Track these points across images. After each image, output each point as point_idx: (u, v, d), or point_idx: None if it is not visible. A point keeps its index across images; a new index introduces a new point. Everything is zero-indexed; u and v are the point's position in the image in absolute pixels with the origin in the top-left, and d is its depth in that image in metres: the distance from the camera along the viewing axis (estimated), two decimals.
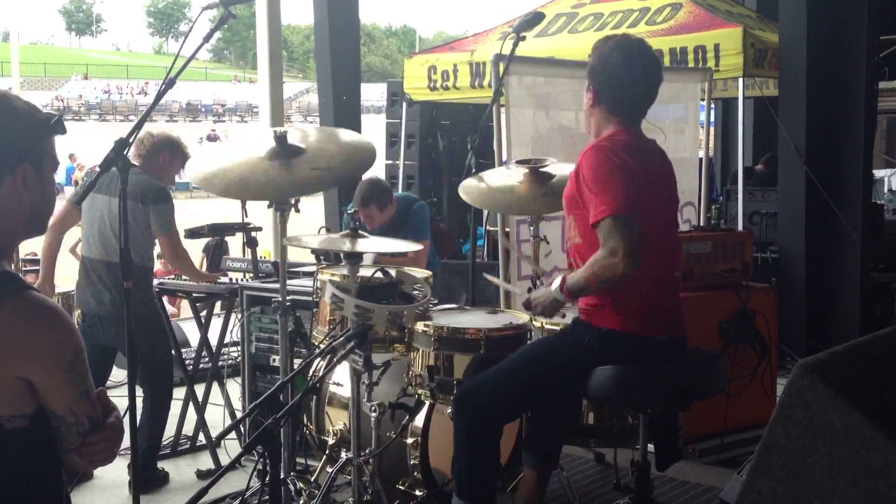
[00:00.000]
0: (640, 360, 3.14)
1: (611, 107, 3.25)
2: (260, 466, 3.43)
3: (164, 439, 5.12)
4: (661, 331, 3.19)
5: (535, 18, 4.54)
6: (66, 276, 5.70)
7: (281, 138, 3.55)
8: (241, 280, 5.00)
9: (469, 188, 4.06)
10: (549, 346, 3.33)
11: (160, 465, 4.78)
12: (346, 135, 3.93)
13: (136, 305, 4.35)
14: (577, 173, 3.17)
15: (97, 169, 4.60)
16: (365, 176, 5.23)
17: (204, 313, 5.24)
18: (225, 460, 4.78)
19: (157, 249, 4.83)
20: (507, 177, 4.14)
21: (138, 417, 4.40)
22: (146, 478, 4.55)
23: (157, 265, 10.66)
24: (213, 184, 3.58)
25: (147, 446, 4.57)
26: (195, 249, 5.01)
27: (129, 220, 3.41)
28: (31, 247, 8.47)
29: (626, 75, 3.22)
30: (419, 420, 3.77)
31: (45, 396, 1.83)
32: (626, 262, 2.95)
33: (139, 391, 4.39)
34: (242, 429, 4.67)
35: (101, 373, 4.70)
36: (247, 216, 5.77)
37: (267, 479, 2.66)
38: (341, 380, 4.11)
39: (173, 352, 4.97)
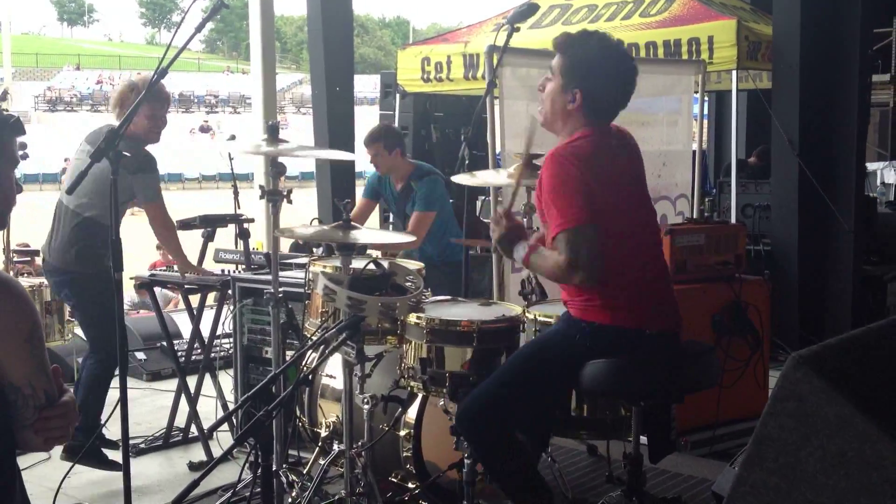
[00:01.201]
0: (631, 353, 3.13)
1: (593, 113, 3.14)
2: (252, 458, 3.42)
3: (156, 431, 5.14)
4: (650, 325, 3.18)
5: (528, 10, 4.52)
6: None
7: None
8: (234, 272, 4.98)
9: (462, 179, 4.07)
10: (540, 344, 3.32)
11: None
12: None
13: (97, 261, 4.30)
14: (539, 183, 3.11)
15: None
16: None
17: (196, 305, 5.23)
18: (217, 452, 4.77)
19: (156, 244, 4.79)
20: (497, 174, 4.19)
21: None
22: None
23: (157, 256, 10.66)
24: None
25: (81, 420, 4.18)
26: (192, 240, 4.96)
27: (107, 184, 3.27)
28: (22, 237, 8.46)
29: (616, 81, 3.12)
30: (412, 412, 3.77)
31: (3, 367, 1.84)
32: (582, 276, 2.96)
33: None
34: (234, 420, 4.67)
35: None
36: (239, 207, 5.76)
37: (259, 470, 2.65)
38: (334, 372, 4.10)
39: (165, 343, 4.95)
